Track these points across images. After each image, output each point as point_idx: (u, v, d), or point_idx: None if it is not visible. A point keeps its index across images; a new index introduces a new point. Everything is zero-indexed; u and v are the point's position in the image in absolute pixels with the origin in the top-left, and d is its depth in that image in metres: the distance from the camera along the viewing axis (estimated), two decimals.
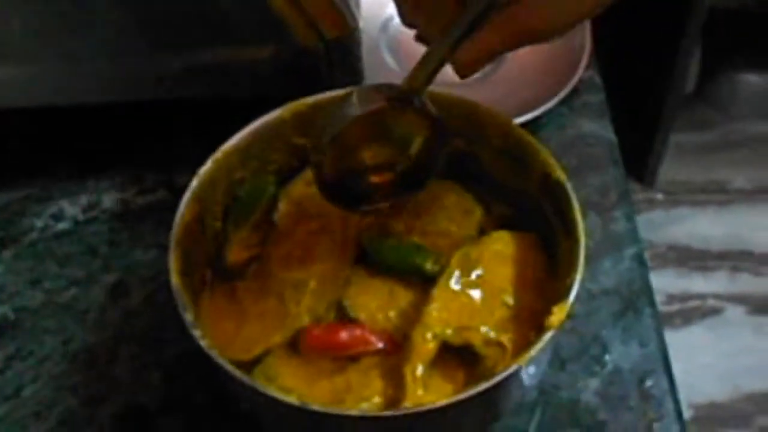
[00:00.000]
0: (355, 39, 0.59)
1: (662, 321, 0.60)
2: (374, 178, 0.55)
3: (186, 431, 0.56)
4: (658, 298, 0.62)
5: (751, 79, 1.80)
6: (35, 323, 0.61)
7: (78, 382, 0.58)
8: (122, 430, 0.56)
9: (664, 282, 1.63)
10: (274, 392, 0.46)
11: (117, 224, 0.66)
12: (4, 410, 0.57)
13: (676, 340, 1.36)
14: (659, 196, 1.80)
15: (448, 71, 0.72)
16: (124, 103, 0.65)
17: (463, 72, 0.52)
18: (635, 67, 1.51)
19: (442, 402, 0.45)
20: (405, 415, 0.46)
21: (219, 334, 0.54)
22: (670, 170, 1.78)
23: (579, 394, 0.57)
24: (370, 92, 0.51)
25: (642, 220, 1.71)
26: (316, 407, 0.46)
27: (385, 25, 0.77)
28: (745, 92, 1.81)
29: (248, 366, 0.53)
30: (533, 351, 0.46)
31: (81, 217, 0.66)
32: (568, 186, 0.53)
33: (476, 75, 0.73)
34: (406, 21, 0.53)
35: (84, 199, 0.67)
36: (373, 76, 0.64)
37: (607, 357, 0.58)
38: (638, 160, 1.72)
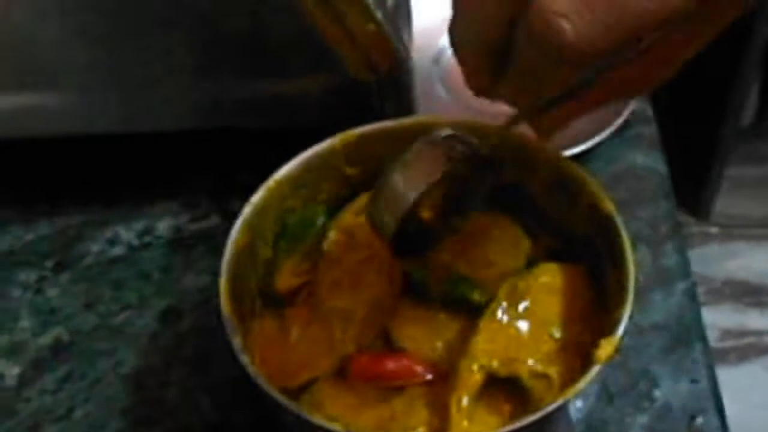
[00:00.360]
0: (407, 71, 0.60)
1: (716, 357, 0.59)
2: (425, 214, 0.55)
3: None
4: (713, 334, 0.62)
5: None
6: (88, 346, 0.62)
7: (128, 405, 0.59)
8: None
9: (719, 317, 1.59)
10: (320, 421, 0.46)
11: (170, 250, 0.67)
12: (56, 430, 0.58)
13: (730, 377, 1.33)
14: (714, 230, 1.77)
15: (495, 102, 0.73)
16: (179, 131, 0.66)
17: (543, 135, 0.49)
18: (693, 99, 1.50)
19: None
20: None
21: (267, 361, 0.54)
22: (725, 204, 1.76)
23: (627, 429, 0.56)
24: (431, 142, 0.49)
25: (697, 254, 1.70)
26: None
27: (438, 56, 0.78)
28: None
29: (295, 393, 0.53)
30: (580, 384, 0.46)
31: (136, 242, 0.67)
32: (617, 217, 0.53)
33: None
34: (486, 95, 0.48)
35: (139, 225, 0.68)
36: (425, 107, 0.64)
37: (656, 392, 0.58)
38: (693, 193, 1.70)
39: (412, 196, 0.50)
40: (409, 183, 0.49)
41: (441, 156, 0.50)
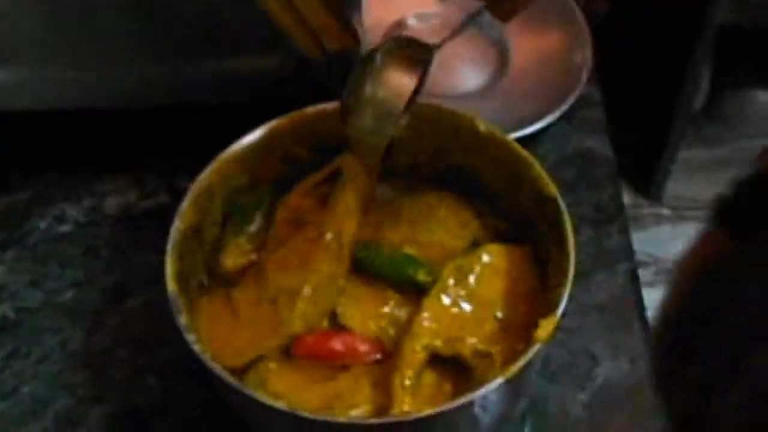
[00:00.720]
0: (357, 51, 0.60)
1: None
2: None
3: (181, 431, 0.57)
4: None
5: (760, 96, 1.80)
6: (35, 323, 0.62)
7: (75, 383, 0.59)
8: (118, 429, 0.57)
9: None
10: (263, 398, 0.47)
11: (118, 227, 0.67)
12: (2, 407, 0.58)
13: None
14: (666, 212, 1.80)
15: (445, 82, 0.74)
16: (128, 108, 0.66)
17: (506, 18, 0.52)
18: (645, 83, 1.52)
19: (428, 411, 0.46)
20: (391, 423, 0.47)
21: (213, 339, 0.54)
22: (678, 186, 1.78)
23: (568, 407, 0.57)
24: (393, 51, 0.50)
25: (649, 235, 1.72)
26: (305, 414, 0.46)
27: (388, 35, 0.78)
28: (754, 109, 1.81)
29: (241, 371, 0.53)
30: (520, 363, 0.47)
31: (83, 219, 0.67)
32: (560, 200, 0.54)
33: (475, 88, 0.75)
34: None
35: (87, 202, 0.68)
36: None
37: (596, 371, 0.59)
38: (646, 175, 1.72)
39: (401, 103, 0.49)
40: (393, 91, 0.49)
41: (412, 60, 0.50)
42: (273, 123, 0.58)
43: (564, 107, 0.70)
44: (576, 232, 0.53)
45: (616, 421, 0.57)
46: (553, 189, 0.54)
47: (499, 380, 0.47)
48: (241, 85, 0.64)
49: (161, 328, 0.60)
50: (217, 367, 0.48)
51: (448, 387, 0.53)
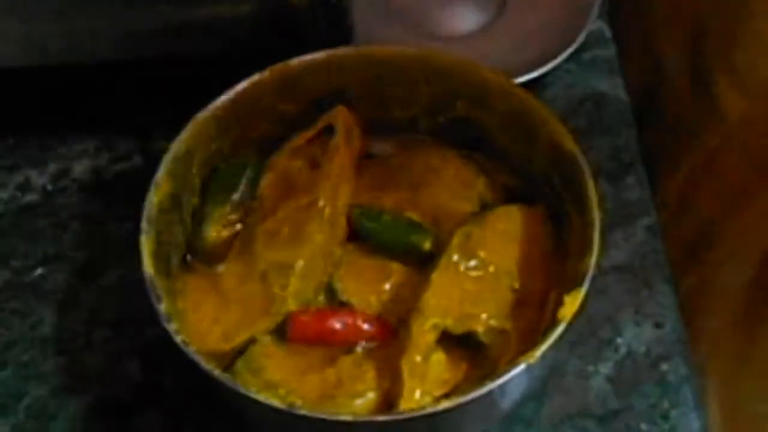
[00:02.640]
0: None
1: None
2: None
3: (165, 424, 0.52)
4: None
5: None
6: (1, 305, 0.56)
7: (47, 371, 0.54)
8: (96, 424, 0.52)
9: None
10: (258, 396, 0.42)
11: (88, 195, 0.61)
12: None
13: None
14: None
15: (440, 23, 0.68)
16: (95, 63, 0.59)
17: None
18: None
19: (442, 405, 0.41)
20: (401, 420, 0.41)
21: (198, 322, 0.49)
22: None
23: (589, 380, 0.53)
24: None
25: None
26: (304, 411, 0.41)
27: None
28: None
29: (231, 356, 0.48)
30: (544, 346, 0.42)
31: (50, 187, 0.61)
32: (581, 158, 0.48)
33: (472, 28, 0.68)
34: None
35: (53, 168, 0.62)
36: (362, 34, 0.58)
37: (619, 340, 0.54)
38: None
39: None
40: None
41: None
42: (254, 78, 0.52)
43: (572, 47, 0.64)
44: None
45: (642, 394, 0.52)
46: (572, 144, 0.49)
47: (523, 366, 0.42)
48: (215, 33, 0.57)
49: (140, 307, 0.54)
50: (203, 360, 0.43)
51: (459, 367, 0.48)
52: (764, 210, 0.48)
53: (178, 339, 0.44)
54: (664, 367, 0.53)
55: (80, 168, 0.62)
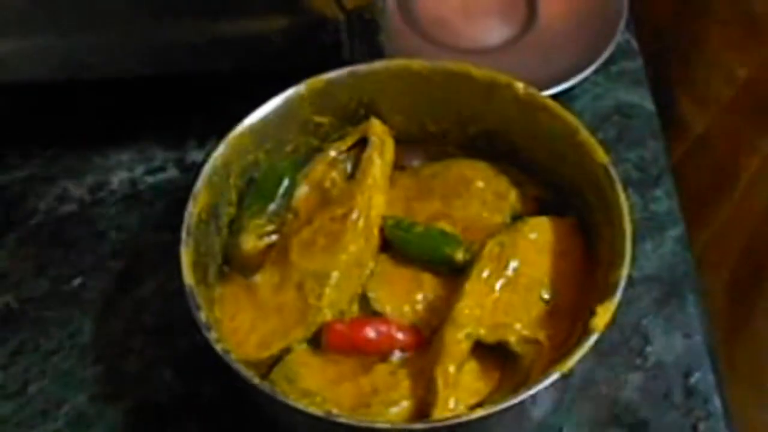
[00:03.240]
0: (376, 10, 0.55)
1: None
2: None
3: (202, 430, 0.53)
4: None
5: None
6: (41, 314, 0.57)
7: (86, 378, 0.55)
8: (134, 430, 0.53)
9: None
10: (296, 403, 0.43)
11: (125, 206, 0.62)
12: (10, 408, 0.54)
13: None
14: None
15: (468, 36, 0.68)
16: (131, 77, 0.61)
17: None
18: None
19: (477, 413, 0.42)
20: (436, 428, 0.42)
21: (235, 331, 0.50)
22: None
23: (619, 389, 0.53)
24: None
25: None
26: (342, 419, 0.42)
27: None
28: None
29: (267, 364, 0.49)
30: (576, 357, 0.43)
31: (88, 198, 0.62)
32: (612, 169, 0.49)
33: (501, 41, 0.69)
34: None
35: (90, 179, 0.63)
36: (393, 50, 0.59)
37: (648, 349, 0.54)
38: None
39: None
40: None
41: None
42: (289, 91, 0.53)
43: (600, 59, 0.65)
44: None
45: (672, 404, 0.52)
46: (602, 155, 0.49)
47: (556, 375, 0.42)
48: (250, 48, 0.58)
49: (176, 316, 0.56)
50: (242, 369, 0.44)
51: (492, 376, 0.49)
52: (727, 220, 0.50)
53: (218, 347, 0.45)
54: (694, 377, 0.54)
55: (117, 179, 0.63)
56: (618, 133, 0.64)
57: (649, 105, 0.66)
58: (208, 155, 0.51)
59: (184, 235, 0.48)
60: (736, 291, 0.54)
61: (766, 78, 0.54)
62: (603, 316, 0.44)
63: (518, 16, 0.70)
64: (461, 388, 0.48)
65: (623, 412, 0.53)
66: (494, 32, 0.70)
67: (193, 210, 0.49)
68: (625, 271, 0.45)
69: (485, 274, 0.49)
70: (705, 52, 0.54)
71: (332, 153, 0.55)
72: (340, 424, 0.42)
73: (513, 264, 0.50)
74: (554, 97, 0.60)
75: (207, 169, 0.51)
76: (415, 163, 0.56)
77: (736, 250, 0.54)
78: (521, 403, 0.43)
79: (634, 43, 0.69)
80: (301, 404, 0.43)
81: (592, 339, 0.43)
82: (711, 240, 0.53)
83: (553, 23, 0.70)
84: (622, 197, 0.48)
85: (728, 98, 0.55)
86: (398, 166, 0.56)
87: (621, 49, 0.67)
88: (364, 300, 0.52)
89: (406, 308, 0.51)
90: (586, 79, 0.65)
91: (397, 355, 0.49)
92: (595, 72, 0.65)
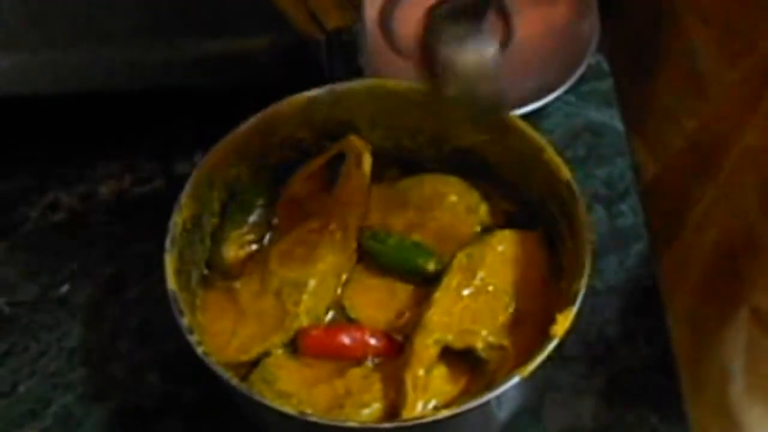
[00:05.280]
0: (356, 31, 0.57)
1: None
2: None
3: (185, 429, 0.55)
4: None
5: None
6: (31, 318, 0.60)
7: (74, 380, 0.57)
8: (119, 430, 0.55)
9: None
10: (274, 404, 0.45)
11: (114, 215, 0.64)
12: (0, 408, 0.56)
13: None
14: None
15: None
16: (120, 91, 0.63)
17: None
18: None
19: (442, 414, 0.44)
20: (405, 428, 0.45)
21: (217, 334, 0.53)
22: None
23: (583, 395, 0.56)
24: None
25: None
26: (314, 418, 0.45)
27: (386, 17, 0.74)
28: None
29: (247, 367, 0.52)
30: (537, 361, 0.45)
31: (77, 207, 0.65)
32: (575, 186, 0.52)
33: None
34: None
35: (81, 189, 0.65)
36: (373, 69, 0.62)
37: (611, 357, 0.57)
38: None
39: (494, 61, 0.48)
40: (482, 51, 0.48)
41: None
42: (271, 108, 0.56)
43: (571, 80, 0.68)
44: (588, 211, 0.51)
45: (635, 410, 0.55)
46: (566, 172, 0.52)
47: (517, 378, 0.45)
48: (235, 66, 0.61)
49: (161, 321, 0.58)
50: (222, 371, 0.47)
51: (459, 380, 0.51)
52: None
53: (199, 350, 0.47)
54: (654, 384, 0.56)
55: (106, 189, 0.65)
56: (588, 150, 0.67)
57: (618, 124, 0.68)
58: (193, 168, 0.54)
59: (168, 243, 0.50)
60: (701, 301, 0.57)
61: (713, 129, 0.58)
62: (562, 323, 0.46)
63: (495, 37, 0.73)
64: (430, 391, 0.50)
65: (587, 416, 0.55)
66: None
67: (177, 220, 0.52)
68: (585, 282, 0.48)
69: (454, 283, 0.52)
70: (656, 106, 0.58)
71: (311, 167, 0.57)
72: (313, 423, 0.45)
73: (480, 274, 0.52)
74: (527, 115, 0.62)
75: (192, 180, 0.53)
76: (392, 176, 0.59)
77: (697, 273, 0.57)
78: (486, 404, 0.45)
79: (605, 65, 0.72)
80: (276, 404, 0.45)
81: (552, 345, 0.46)
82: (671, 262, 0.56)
83: (528, 44, 0.72)
84: (584, 211, 0.50)
85: (677, 147, 0.59)
86: (375, 179, 0.59)
87: (592, 70, 0.70)
88: (340, 307, 0.54)
89: (380, 315, 0.54)
90: (558, 98, 0.67)
91: (370, 360, 0.52)
92: (567, 91, 0.67)
